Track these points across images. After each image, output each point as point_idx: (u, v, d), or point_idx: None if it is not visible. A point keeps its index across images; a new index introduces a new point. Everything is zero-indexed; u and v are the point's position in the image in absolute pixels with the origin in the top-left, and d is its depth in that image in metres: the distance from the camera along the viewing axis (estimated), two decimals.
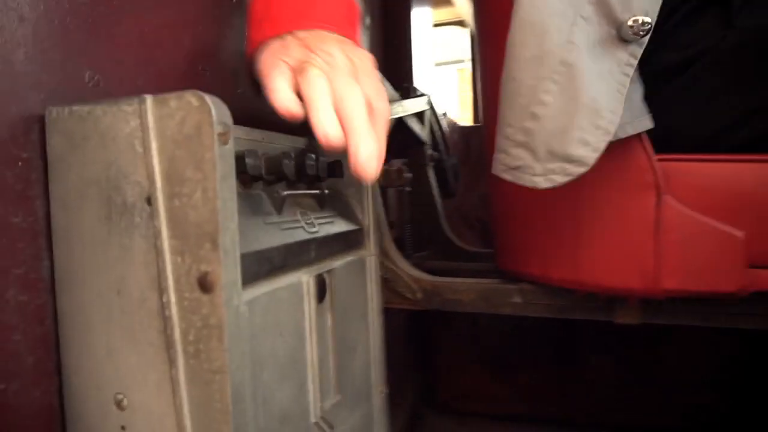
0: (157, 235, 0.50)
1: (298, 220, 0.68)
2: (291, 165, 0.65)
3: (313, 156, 0.72)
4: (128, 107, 0.51)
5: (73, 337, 0.56)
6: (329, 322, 0.72)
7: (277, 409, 0.59)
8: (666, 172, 0.79)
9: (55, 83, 0.57)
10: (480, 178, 1.84)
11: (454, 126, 1.97)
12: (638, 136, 0.78)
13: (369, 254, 0.85)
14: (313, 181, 0.75)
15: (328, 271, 0.72)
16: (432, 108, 1.60)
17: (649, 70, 0.75)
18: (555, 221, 0.87)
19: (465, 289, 0.98)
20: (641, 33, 0.65)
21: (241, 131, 0.64)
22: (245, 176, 0.60)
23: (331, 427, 0.70)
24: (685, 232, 0.79)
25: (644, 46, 0.68)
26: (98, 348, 0.54)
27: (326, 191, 0.76)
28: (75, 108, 0.53)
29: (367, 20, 1.16)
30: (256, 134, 0.67)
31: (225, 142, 0.50)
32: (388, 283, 1.03)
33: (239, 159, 0.57)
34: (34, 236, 0.55)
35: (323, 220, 0.74)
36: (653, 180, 0.79)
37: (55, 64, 0.57)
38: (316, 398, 0.67)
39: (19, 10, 0.53)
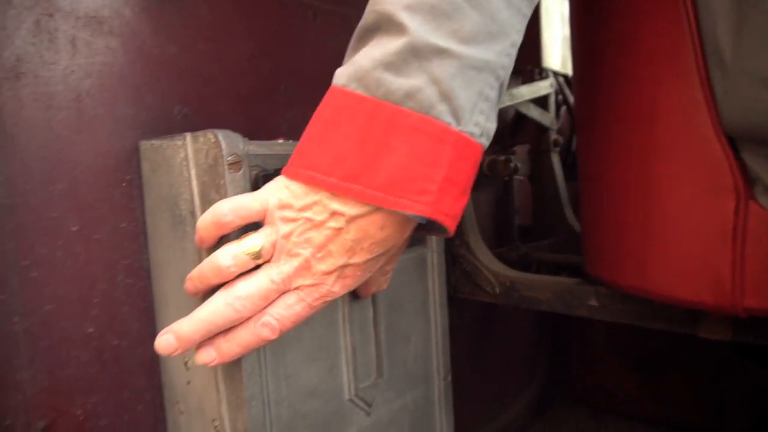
0: (190, 238, 0.65)
1: None
2: None
3: None
4: (179, 142, 0.66)
5: (161, 311, 0.75)
6: (370, 314, 0.80)
7: (303, 385, 0.71)
8: (753, 171, 0.68)
9: (149, 120, 0.75)
10: None
11: None
12: (713, 124, 0.69)
13: (430, 251, 0.90)
14: None
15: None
16: (564, 87, 1.52)
17: None
18: (624, 221, 0.81)
19: (542, 288, 0.97)
20: None
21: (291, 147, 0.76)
22: None
23: (368, 404, 0.80)
24: None
25: None
26: (174, 321, 0.72)
27: None
28: (153, 142, 0.71)
29: None
30: None
31: (236, 170, 0.62)
32: (470, 276, 1.06)
33: (268, 177, 0.69)
34: (136, 236, 0.75)
35: None
36: (732, 182, 0.69)
37: (149, 105, 0.75)
38: (350, 379, 0.77)
39: (120, 70, 0.72)
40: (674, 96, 0.71)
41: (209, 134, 0.62)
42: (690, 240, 0.73)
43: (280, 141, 0.75)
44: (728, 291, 0.70)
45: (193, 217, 0.66)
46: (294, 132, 0.90)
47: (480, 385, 1.44)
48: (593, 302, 0.91)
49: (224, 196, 0.61)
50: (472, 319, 1.38)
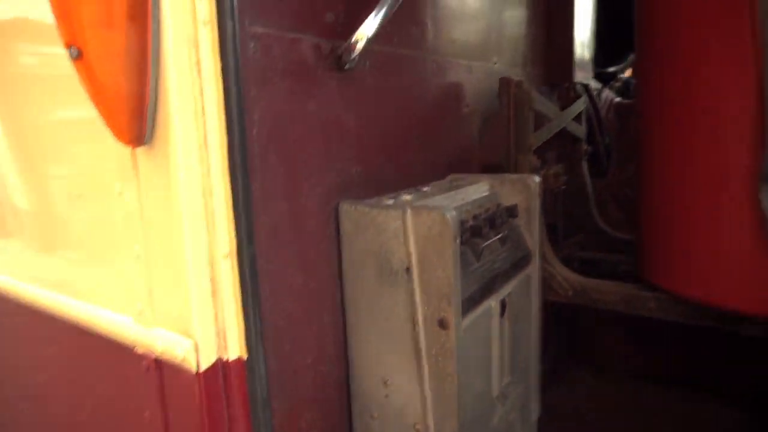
0: (412, 291, 0.82)
1: (489, 263, 0.96)
2: (489, 230, 0.93)
3: (499, 211, 0.99)
4: (395, 212, 0.82)
5: (356, 341, 0.92)
6: (506, 328, 1.01)
7: (474, 390, 0.92)
8: None
9: (337, 182, 0.89)
10: (632, 157, 1.94)
11: (609, 103, 2.05)
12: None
13: (533, 270, 1.11)
14: (498, 226, 1.02)
15: (508, 294, 1.00)
16: (590, 98, 1.73)
17: None
18: (690, 239, 1.05)
19: (608, 291, 1.21)
20: None
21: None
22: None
23: (505, 398, 1.02)
24: None
25: None
26: (372, 350, 0.90)
27: (506, 231, 1.03)
28: (359, 207, 0.86)
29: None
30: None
31: (456, 240, 0.79)
32: (546, 281, 1.29)
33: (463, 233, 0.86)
34: (333, 278, 0.90)
35: (504, 255, 1.01)
36: None
37: (338, 169, 0.89)
38: (497, 381, 0.99)
39: (322, 141, 0.85)
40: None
41: (434, 213, 0.78)
42: (755, 261, 0.98)
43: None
44: None
45: (408, 272, 0.82)
46: (428, 173, 1.08)
47: None
48: (652, 305, 1.17)
49: (448, 261, 0.79)
50: None
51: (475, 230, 0.91)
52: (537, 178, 1.10)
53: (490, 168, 1.32)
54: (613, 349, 1.96)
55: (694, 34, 1.07)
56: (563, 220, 1.71)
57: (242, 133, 0.69)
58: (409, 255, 0.82)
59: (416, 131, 1.09)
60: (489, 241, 0.97)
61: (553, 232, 1.62)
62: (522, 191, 1.10)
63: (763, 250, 0.96)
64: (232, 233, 0.68)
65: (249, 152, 0.71)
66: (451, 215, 0.78)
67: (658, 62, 1.19)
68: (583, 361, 2.03)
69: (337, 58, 0.86)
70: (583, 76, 1.77)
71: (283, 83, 0.79)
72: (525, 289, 1.09)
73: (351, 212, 0.87)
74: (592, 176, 1.82)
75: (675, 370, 1.89)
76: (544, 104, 1.35)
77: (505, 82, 1.26)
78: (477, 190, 1.05)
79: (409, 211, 0.81)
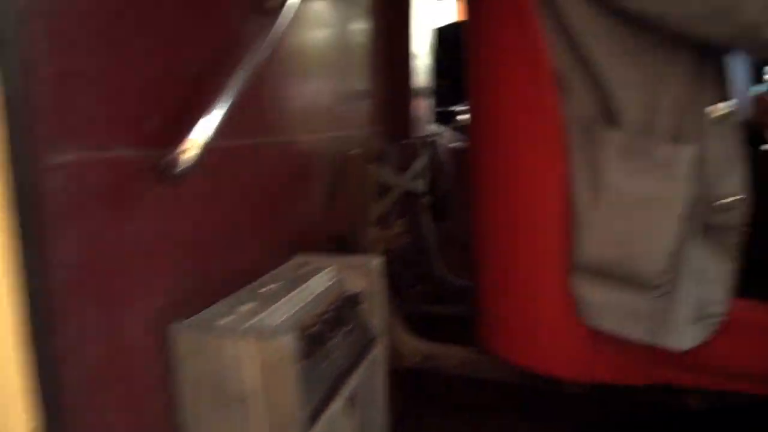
0: (251, 418, 0.79)
1: (335, 359, 0.96)
2: (334, 329, 0.93)
3: (343, 302, 1.00)
4: (229, 339, 0.77)
5: None
6: (355, 419, 1.02)
7: None
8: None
9: (169, 301, 0.82)
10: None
11: (447, 149, 2.17)
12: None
13: (380, 352, 1.14)
14: (343, 319, 1.02)
15: (355, 385, 1.01)
16: (431, 149, 1.82)
17: None
18: (510, 311, 1.16)
19: (451, 357, 1.29)
20: None
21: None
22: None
23: None
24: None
25: None
26: None
27: (351, 324, 1.04)
28: (191, 332, 0.80)
29: None
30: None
31: (297, 364, 0.77)
32: (395, 349, 1.33)
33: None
34: (169, 408, 0.82)
35: (350, 347, 1.02)
36: None
37: (167, 288, 0.82)
38: None
39: (148, 252, 0.78)
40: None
41: (274, 341, 0.75)
42: (569, 334, 1.11)
43: None
44: (590, 372, 1.11)
45: (246, 399, 0.79)
46: (274, 257, 1.05)
47: None
48: (487, 368, 1.27)
49: (289, 387, 0.77)
50: None
51: (319, 336, 0.90)
52: (379, 260, 1.13)
53: (337, 239, 1.32)
54: (460, 383, 2.08)
55: (509, 119, 1.18)
56: (407, 271, 1.78)
57: (41, 285, 0.60)
58: (247, 381, 0.78)
59: (260, 219, 1.05)
60: (335, 340, 0.97)
61: (397, 284, 1.68)
62: (366, 275, 1.11)
63: (576, 326, 1.09)
64: (34, 410, 0.59)
65: (54, 303, 0.62)
66: (291, 338, 0.76)
67: (484, 132, 1.29)
68: (430, 399, 2.13)
69: (163, 169, 0.79)
70: (423, 124, 1.87)
71: (98, 209, 0.70)
72: (371, 373, 1.11)
73: (183, 337, 0.80)
74: (436, 222, 1.92)
75: (523, 400, 2.06)
76: (386, 174, 1.39)
77: (346, 158, 1.27)
78: (321, 281, 1.04)
79: (244, 339, 0.77)
